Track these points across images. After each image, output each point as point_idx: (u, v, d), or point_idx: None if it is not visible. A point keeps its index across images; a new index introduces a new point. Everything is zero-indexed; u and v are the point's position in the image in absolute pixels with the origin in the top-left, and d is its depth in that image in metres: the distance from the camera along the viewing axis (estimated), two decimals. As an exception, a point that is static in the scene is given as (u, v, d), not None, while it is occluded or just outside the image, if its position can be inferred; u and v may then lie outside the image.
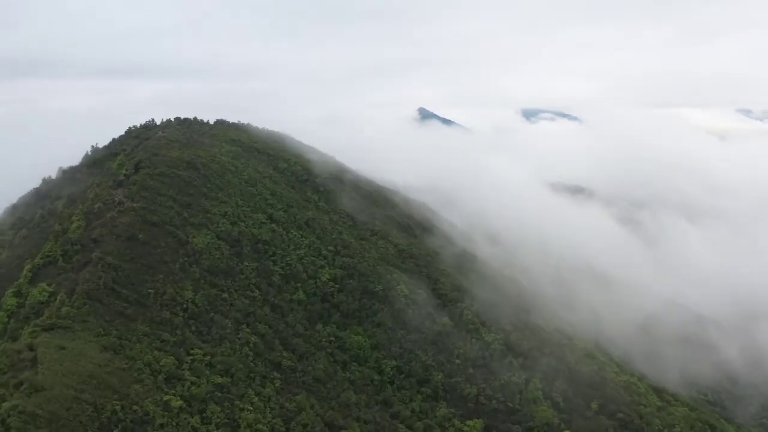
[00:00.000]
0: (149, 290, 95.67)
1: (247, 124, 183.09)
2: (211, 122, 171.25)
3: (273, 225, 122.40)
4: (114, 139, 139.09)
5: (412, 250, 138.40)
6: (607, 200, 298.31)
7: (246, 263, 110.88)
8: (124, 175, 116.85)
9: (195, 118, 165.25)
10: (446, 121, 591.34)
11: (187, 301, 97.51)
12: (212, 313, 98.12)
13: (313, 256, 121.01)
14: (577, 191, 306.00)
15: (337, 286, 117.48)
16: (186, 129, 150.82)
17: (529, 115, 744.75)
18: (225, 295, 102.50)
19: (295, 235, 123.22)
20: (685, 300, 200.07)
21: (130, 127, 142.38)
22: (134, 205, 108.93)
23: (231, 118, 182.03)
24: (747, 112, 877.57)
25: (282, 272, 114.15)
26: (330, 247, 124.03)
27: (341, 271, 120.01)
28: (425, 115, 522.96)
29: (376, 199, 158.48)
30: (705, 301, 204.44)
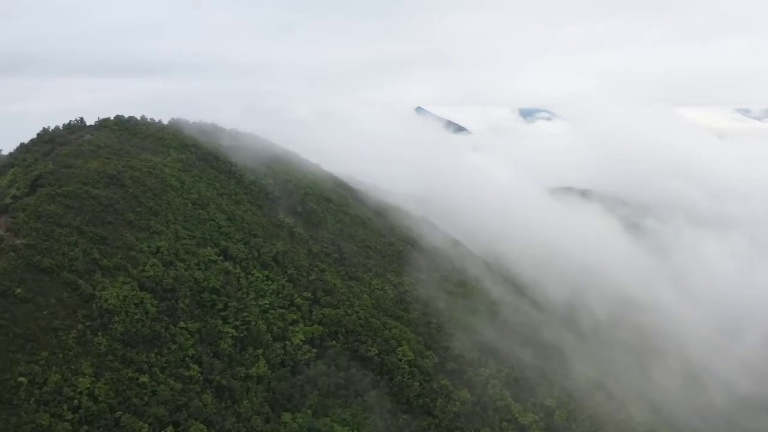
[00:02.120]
0: (20, 379, 62.00)
1: (211, 123, 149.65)
2: (165, 121, 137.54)
3: (227, 264, 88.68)
4: (22, 144, 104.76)
5: (418, 290, 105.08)
6: (611, 204, 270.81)
7: (182, 324, 77.16)
8: (13, 196, 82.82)
9: (143, 117, 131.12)
10: (444, 121, 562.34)
11: (82, 393, 63.79)
12: (120, 412, 64.40)
13: (283, 308, 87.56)
14: (579, 195, 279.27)
15: (314, 350, 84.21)
16: (125, 131, 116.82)
17: (527, 114, 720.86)
18: (144, 378, 68.74)
19: (257, 278, 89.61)
20: (717, 325, 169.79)
21: (43, 128, 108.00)
22: (18, 241, 75.07)
23: (222, 119, 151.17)
24: (745, 111, 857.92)
25: (236, 335, 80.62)
26: (307, 294, 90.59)
27: (321, 329, 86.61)
28: (423, 114, 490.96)
29: (370, 219, 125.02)
30: (742, 335, 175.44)
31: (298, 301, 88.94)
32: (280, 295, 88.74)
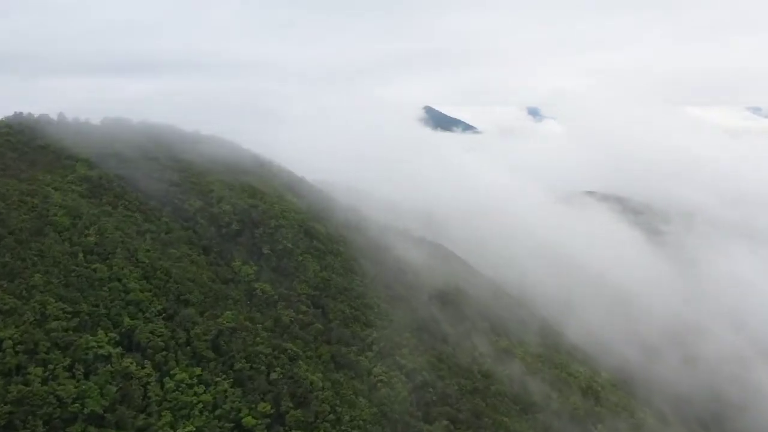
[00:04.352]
0: None
1: (170, 125, 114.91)
2: (97, 122, 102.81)
3: (128, 360, 52.61)
4: None
5: (443, 376, 68.86)
6: (626, 208, 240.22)
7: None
8: None
9: (60, 115, 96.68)
10: (453, 121, 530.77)
11: None
12: None
13: (221, 436, 51.48)
14: (593, 200, 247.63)
15: None
16: (17, 136, 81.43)
17: (535, 113, 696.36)
18: None
19: (181, 383, 53.46)
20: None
21: None
22: None
23: (206, 119, 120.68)
24: (756, 110, 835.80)
25: (128, 503, 44.70)
26: (264, 406, 54.37)
27: (286, 475, 50.52)
28: (431, 114, 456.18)
29: (371, 258, 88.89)
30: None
31: (249, 420, 52.77)
32: (218, 413, 52.65)
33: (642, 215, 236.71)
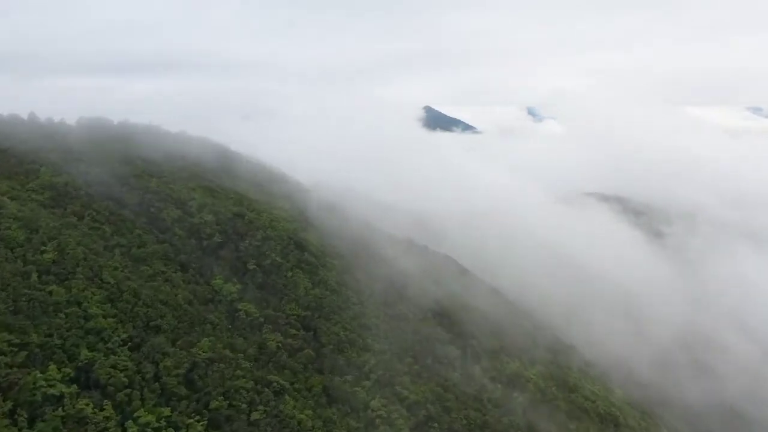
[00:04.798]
0: None
1: (153, 126, 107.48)
2: (72, 123, 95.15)
3: (84, 401, 44.70)
4: None
5: (450, 408, 61.25)
6: (630, 209, 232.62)
7: None
8: None
9: (31, 115, 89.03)
10: (453, 121, 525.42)
11: None
12: None
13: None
14: (592, 199, 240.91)
15: None
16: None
17: (535, 113, 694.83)
18: None
19: (146, 426, 45.94)
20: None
21: None
22: None
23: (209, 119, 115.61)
24: (756, 110, 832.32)
25: None
26: (244, 451, 46.79)
27: None
28: (431, 114, 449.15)
29: (370, 272, 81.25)
30: None
31: (226, 472, 45.24)
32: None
33: (643, 216, 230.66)
